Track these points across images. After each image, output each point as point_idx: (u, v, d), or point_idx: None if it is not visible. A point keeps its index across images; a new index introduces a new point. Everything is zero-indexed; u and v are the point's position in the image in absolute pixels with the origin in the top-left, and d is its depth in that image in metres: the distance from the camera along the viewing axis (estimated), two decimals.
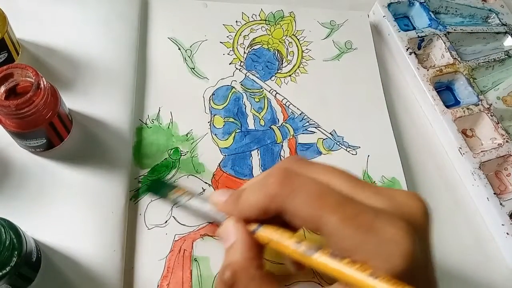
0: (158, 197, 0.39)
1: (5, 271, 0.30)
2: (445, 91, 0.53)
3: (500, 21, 0.58)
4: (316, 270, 0.28)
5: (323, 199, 0.25)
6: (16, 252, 0.30)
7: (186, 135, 0.44)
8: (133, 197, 0.40)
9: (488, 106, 0.50)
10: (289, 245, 0.27)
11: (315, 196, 0.25)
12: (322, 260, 0.25)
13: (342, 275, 0.24)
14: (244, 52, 0.50)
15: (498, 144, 0.48)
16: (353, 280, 0.23)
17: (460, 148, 0.47)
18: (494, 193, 0.45)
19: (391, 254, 0.23)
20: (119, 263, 0.36)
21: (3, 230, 0.29)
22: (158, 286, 0.37)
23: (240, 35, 0.51)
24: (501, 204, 0.44)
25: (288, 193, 0.26)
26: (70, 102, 0.41)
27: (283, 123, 0.47)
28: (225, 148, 0.44)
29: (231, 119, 0.46)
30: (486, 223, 0.46)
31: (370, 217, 0.24)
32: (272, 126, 0.46)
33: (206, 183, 0.42)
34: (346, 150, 0.46)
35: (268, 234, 0.29)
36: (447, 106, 0.50)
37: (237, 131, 0.45)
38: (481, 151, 0.47)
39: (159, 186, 0.39)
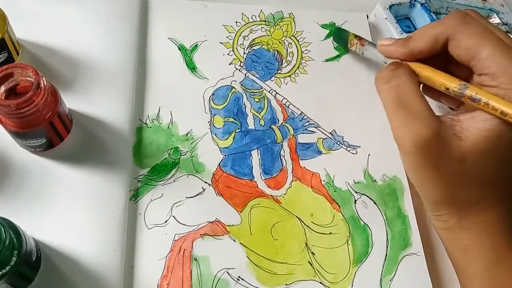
0: (340, 45, 0.50)
1: (4, 270, 0.30)
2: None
3: (501, 21, 0.58)
4: (466, 101, 0.34)
5: (486, 34, 0.33)
6: (16, 252, 0.30)
7: (186, 135, 0.44)
8: (133, 197, 0.40)
9: None
10: (446, 82, 0.34)
11: (481, 30, 0.33)
12: (472, 92, 0.33)
13: (487, 104, 0.32)
14: (244, 53, 0.50)
15: None
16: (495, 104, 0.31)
17: None
18: None
19: None
20: (119, 263, 0.36)
21: (3, 229, 0.29)
22: (158, 285, 0.37)
23: (240, 35, 0.51)
24: None
25: (460, 23, 0.34)
26: (70, 102, 0.41)
27: (283, 123, 0.47)
28: (225, 147, 0.44)
29: (231, 119, 0.46)
30: None
31: None
32: (272, 126, 0.46)
33: (206, 182, 0.42)
34: (346, 149, 0.46)
35: (429, 73, 0.36)
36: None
37: (237, 131, 0.45)
38: None
39: (341, 36, 0.49)
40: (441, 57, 0.37)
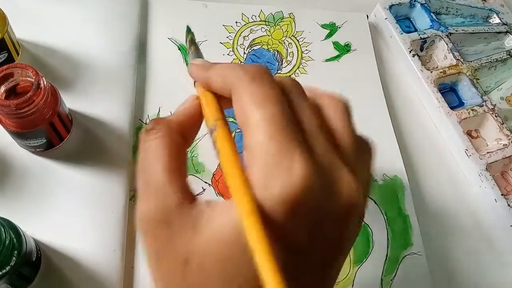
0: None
1: (4, 270, 0.30)
2: (448, 92, 0.53)
3: (501, 21, 0.58)
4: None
5: (265, 103, 0.23)
6: (16, 252, 0.30)
7: None
8: (133, 197, 0.40)
9: (492, 107, 0.50)
10: (207, 116, 0.26)
11: (262, 98, 0.23)
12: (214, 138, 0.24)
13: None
14: (244, 53, 0.50)
15: (504, 145, 0.48)
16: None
17: (467, 150, 0.47)
18: (502, 194, 0.44)
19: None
20: (119, 263, 0.36)
21: (3, 229, 0.29)
22: None
23: (240, 35, 0.51)
24: (509, 205, 0.44)
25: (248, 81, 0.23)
26: (70, 102, 0.41)
27: None
28: None
29: (231, 119, 0.46)
30: (494, 224, 0.45)
31: None
32: None
33: (206, 182, 0.42)
34: None
35: (205, 103, 0.27)
36: (451, 108, 0.49)
37: (237, 131, 0.45)
38: (487, 152, 0.47)
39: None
40: None
